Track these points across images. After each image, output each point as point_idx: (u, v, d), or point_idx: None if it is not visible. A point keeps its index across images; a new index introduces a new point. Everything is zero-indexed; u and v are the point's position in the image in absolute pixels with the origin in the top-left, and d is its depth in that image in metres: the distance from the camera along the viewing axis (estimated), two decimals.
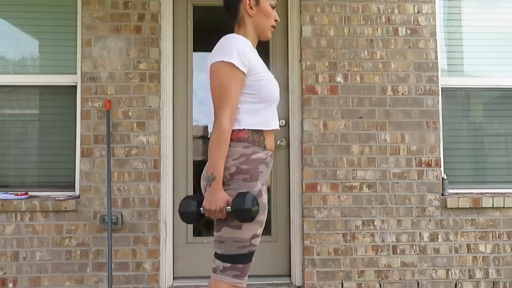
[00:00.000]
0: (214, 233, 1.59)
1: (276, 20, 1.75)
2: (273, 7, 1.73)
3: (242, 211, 1.46)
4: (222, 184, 1.54)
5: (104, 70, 3.02)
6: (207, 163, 1.64)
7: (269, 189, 3.20)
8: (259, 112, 1.62)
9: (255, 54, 1.65)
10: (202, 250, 3.15)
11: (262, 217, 1.58)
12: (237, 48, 1.56)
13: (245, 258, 1.56)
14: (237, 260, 1.55)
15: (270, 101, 1.65)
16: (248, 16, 1.69)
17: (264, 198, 1.59)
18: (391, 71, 3.11)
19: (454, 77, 3.31)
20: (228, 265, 1.55)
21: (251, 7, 1.69)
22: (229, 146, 1.57)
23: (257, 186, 1.57)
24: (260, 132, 1.63)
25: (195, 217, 1.57)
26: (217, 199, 1.50)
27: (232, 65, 1.53)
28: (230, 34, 1.65)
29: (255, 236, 1.57)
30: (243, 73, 1.56)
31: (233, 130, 1.58)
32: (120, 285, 2.93)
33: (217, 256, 1.59)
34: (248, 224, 1.53)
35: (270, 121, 1.66)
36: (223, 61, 1.54)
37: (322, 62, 3.08)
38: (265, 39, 1.76)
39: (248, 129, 1.60)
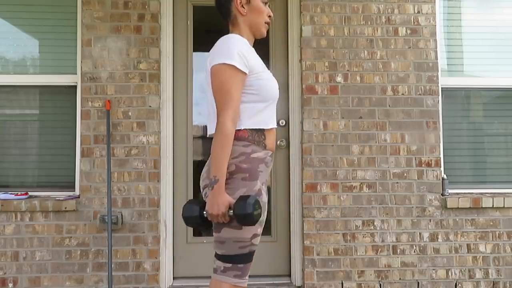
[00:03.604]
0: (214, 234, 1.58)
1: (269, 16, 1.73)
2: (265, 3, 1.72)
3: (244, 215, 1.44)
4: None
5: (104, 70, 3.02)
6: (207, 164, 1.63)
7: (269, 189, 3.20)
8: (259, 111, 1.62)
9: (254, 53, 1.64)
10: (202, 250, 3.15)
11: (262, 217, 1.57)
12: (236, 49, 1.55)
13: (246, 258, 1.56)
14: (238, 260, 1.54)
15: (270, 100, 1.64)
16: (240, 15, 1.68)
17: (264, 198, 1.59)
18: (391, 71, 3.11)
19: (454, 77, 3.31)
20: (229, 265, 1.55)
21: (242, 6, 1.67)
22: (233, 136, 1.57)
23: (257, 185, 1.56)
24: (260, 131, 1.62)
25: (199, 221, 1.54)
26: (219, 203, 1.47)
27: (233, 67, 1.53)
28: (227, 35, 1.63)
29: (255, 235, 1.56)
30: (244, 73, 1.56)
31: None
32: (120, 285, 2.93)
33: (217, 256, 1.58)
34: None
35: (269, 120, 1.66)
36: (224, 63, 1.53)
37: (322, 62, 3.08)
38: (261, 36, 1.74)
39: (248, 129, 1.59)
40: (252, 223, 1.46)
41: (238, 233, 1.53)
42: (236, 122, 1.55)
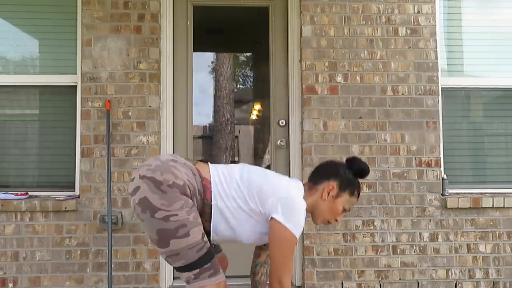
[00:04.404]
0: (161, 250, 1.56)
1: (336, 220, 1.76)
2: (344, 210, 1.75)
3: None
4: (158, 187, 1.54)
5: (104, 70, 3.02)
6: (160, 159, 1.65)
7: None
8: (234, 229, 1.65)
9: None
10: None
11: (200, 219, 1.59)
12: (303, 223, 1.61)
13: (208, 256, 1.56)
14: (201, 262, 1.54)
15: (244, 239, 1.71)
16: (321, 196, 1.72)
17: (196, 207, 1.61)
18: (391, 71, 3.10)
19: (454, 77, 3.31)
20: (197, 270, 1.54)
21: (328, 193, 1.71)
22: (198, 173, 1.63)
23: (189, 200, 1.57)
24: (210, 210, 1.63)
25: None
26: None
27: (296, 239, 1.60)
28: (303, 201, 1.65)
29: (203, 234, 1.57)
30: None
31: (208, 178, 1.64)
32: (120, 285, 2.93)
33: (180, 269, 1.56)
34: (194, 229, 1.53)
35: (221, 237, 1.68)
36: (295, 235, 1.58)
37: (322, 62, 3.08)
38: (313, 220, 1.78)
39: (213, 200, 1.62)
40: None
41: (188, 240, 1.52)
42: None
